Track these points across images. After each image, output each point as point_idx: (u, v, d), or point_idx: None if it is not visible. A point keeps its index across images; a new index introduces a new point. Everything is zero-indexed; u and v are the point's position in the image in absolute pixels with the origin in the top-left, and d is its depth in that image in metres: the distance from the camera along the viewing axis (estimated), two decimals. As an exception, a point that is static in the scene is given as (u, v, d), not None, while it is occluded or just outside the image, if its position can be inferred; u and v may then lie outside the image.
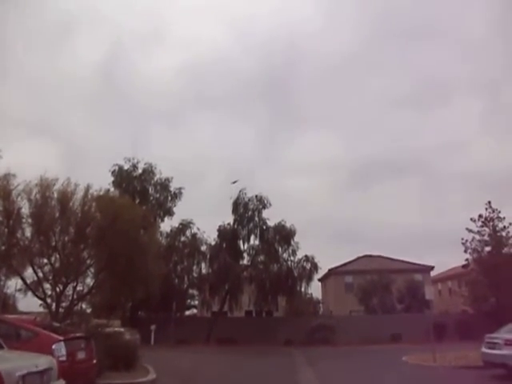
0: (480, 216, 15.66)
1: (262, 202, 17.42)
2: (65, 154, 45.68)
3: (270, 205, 17.39)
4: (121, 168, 16.18)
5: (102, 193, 9.88)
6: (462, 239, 15.72)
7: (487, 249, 15.62)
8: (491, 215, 15.55)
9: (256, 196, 17.48)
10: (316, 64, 43.18)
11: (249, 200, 17.45)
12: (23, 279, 9.35)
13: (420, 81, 43.12)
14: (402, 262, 22.25)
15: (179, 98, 48.45)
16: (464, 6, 41.74)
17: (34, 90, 47.33)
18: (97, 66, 44.67)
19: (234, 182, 17.45)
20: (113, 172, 16.04)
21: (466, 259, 16.02)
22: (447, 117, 41.11)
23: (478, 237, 15.68)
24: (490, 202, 15.49)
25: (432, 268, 22.46)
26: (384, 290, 18.33)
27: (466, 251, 15.80)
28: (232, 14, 45.33)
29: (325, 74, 46.08)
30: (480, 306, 15.43)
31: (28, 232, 9.01)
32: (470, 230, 15.67)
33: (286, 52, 45.48)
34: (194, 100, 47.95)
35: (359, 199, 41.88)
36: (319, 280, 24.00)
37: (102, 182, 15.30)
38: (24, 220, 8.99)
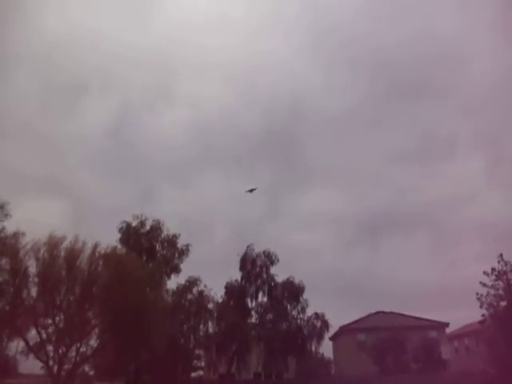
0: (493, 269, 15.29)
1: (269, 258, 17.25)
2: (74, 211, 46.09)
3: (278, 260, 17.21)
4: (129, 225, 16.25)
5: (109, 250, 9.87)
6: (477, 294, 15.25)
7: (503, 303, 15.11)
8: (504, 268, 15.19)
9: (264, 252, 17.33)
10: (319, 119, 44.43)
11: (256, 256, 17.28)
12: (26, 341, 9.15)
13: (423, 136, 43.92)
14: (416, 318, 21.50)
15: (187, 153, 49.56)
16: (464, 62, 43.34)
17: (44, 147, 48.71)
18: (106, 123, 46.18)
19: (251, 191, 17.41)
20: (120, 229, 16.09)
21: (483, 315, 15.46)
22: (452, 170, 41.38)
23: (492, 291, 15.22)
24: (501, 255, 15.18)
25: (447, 324, 21.65)
26: (398, 349, 17.57)
27: (481, 306, 15.26)
28: (237, 73, 47.36)
29: (328, 128, 47.24)
30: (501, 366, 14.67)
31: (33, 291, 8.95)
32: (484, 284, 15.22)
33: (289, 108, 46.98)
34: (201, 156, 48.95)
35: (368, 253, 41.31)
36: (330, 339, 23.16)
37: (109, 238, 15.28)
38: (30, 279, 8.95)
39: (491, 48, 42.47)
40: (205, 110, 47.18)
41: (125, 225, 16.24)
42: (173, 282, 16.34)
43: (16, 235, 8.86)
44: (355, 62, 44.15)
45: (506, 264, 15.16)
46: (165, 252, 16.44)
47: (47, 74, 44.84)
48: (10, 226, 8.80)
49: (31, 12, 40.61)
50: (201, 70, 48.15)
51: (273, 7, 45.94)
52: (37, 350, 9.09)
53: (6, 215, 9.38)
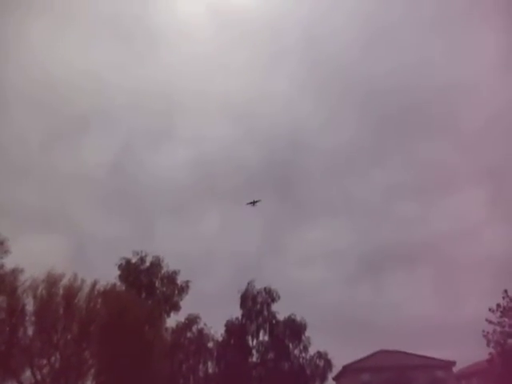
0: (498, 306, 15.04)
1: (270, 295, 17.03)
2: (74, 247, 45.74)
3: (279, 298, 16.98)
4: (128, 261, 16.12)
5: (108, 288, 9.75)
6: (483, 331, 14.94)
7: (510, 341, 14.75)
8: (509, 305, 14.94)
9: (265, 289, 17.12)
10: (320, 155, 44.82)
11: (257, 293, 17.06)
12: (20, 382, 8.88)
13: (424, 170, 44.16)
14: (422, 357, 20.91)
15: (187, 190, 49.71)
16: (463, 95, 44.05)
17: (45, 185, 48.94)
18: (108, 162, 46.56)
19: (254, 203, 17.11)
20: (120, 266, 15.95)
21: (490, 353, 15.07)
22: (453, 204, 41.36)
23: (499, 328, 14.91)
24: (506, 291, 14.99)
25: (454, 363, 21.04)
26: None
27: (488, 344, 14.92)
28: (239, 112, 48.17)
29: (329, 164, 47.57)
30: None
31: (30, 330, 8.78)
32: (491, 322, 14.95)
33: (289, 145, 47.50)
34: (201, 192, 49.07)
35: (371, 289, 40.60)
36: (333, 378, 22.44)
37: (109, 274, 15.14)
38: (27, 318, 8.80)
39: (491, 80, 43.44)
40: (205, 148, 47.73)
41: (124, 261, 16.10)
42: (172, 320, 16.02)
43: (15, 272, 8.79)
44: (355, 102, 45.12)
45: (510, 300, 14.93)
46: (164, 289, 16.22)
47: (50, 117, 45.74)
48: (9, 263, 8.74)
49: (33, 56, 41.88)
50: (202, 111, 49.04)
51: (274, 51, 47.43)
52: (31, 392, 8.82)
53: (6, 252, 9.33)
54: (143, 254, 16.46)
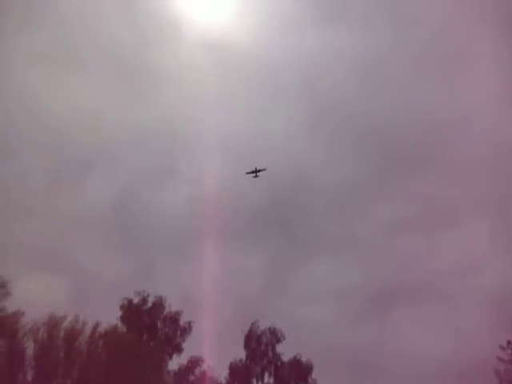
0: (509, 342, 14.67)
1: (275, 336, 16.69)
2: (76, 287, 45.14)
3: (284, 338, 16.62)
4: (130, 302, 15.93)
5: (109, 329, 9.61)
6: (495, 370, 14.49)
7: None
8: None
9: (269, 329, 16.80)
10: (321, 192, 44.86)
11: (261, 333, 16.72)
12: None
13: (426, 206, 43.95)
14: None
15: (190, 229, 49.52)
16: (463, 127, 44.30)
17: (47, 224, 48.87)
18: (108, 199, 46.53)
19: (256, 173, 16.26)
20: (121, 306, 15.75)
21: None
22: (457, 239, 40.92)
23: (511, 367, 14.47)
24: (513, 327, 14.65)
25: (466, 405, 20.22)
26: None
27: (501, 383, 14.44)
28: (240, 151, 48.63)
29: (331, 201, 47.58)
30: None
31: (30, 375, 8.58)
32: (502, 360, 14.53)
33: (291, 182, 47.55)
34: (203, 230, 48.91)
35: (377, 327, 39.46)
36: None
37: (111, 314, 14.93)
38: (27, 362, 8.62)
39: (490, 112, 43.97)
40: (207, 185, 47.95)
41: (126, 302, 15.92)
42: (174, 363, 15.64)
43: (15, 315, 8.69)
44: (354, 138, 45.62)
45: (519, 336, 14.58)
46: (167, 330, 15.96)
47: (53, 156, 46.26)
48: (11, 304, 8.66)
49: (36, 97, 42.84)
50: (204, 150, 49.56)
51: (273, 91, 48.54)
52: None
53: (7, 294, 9.25)
54: (145, 294, 16.30)
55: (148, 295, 16.26)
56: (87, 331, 8.95)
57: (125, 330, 13.05)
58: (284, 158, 46.42)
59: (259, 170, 15.99)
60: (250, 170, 16.09)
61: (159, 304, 16.15)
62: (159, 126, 47.42)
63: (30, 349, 8.66)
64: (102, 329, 9.19)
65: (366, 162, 45.29)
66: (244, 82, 50.10)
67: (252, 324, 16.64)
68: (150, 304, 16.16)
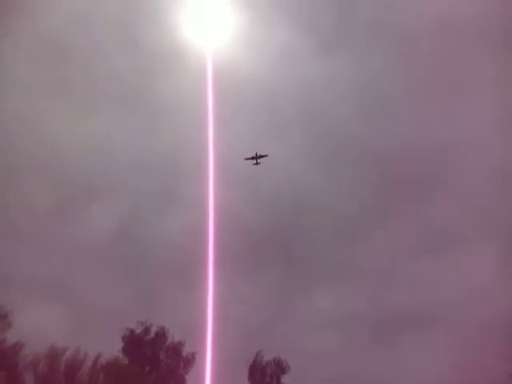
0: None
1: (280, 366, 16.35)
2: (76, 318, 44.57)
3: (289, 368, 16.31)
4: (132, 332, 15.68)
5: (111, 361, 9.43)
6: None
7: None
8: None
9: (274, 359, 16.48)
10: (324, 217, 44.63)
11: (266, 364, 16.38)
12: None
13: (430, 229, 43.52)
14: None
15: (193, 256, 49.20)
16: (465, 153, 44.24)
17: (48, 253, 48.59)
18: (111, 226, 46.35)
19: (257, 160, 15.37)
20: (123, 337, 15.51)
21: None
22: (464, 264, 40.36)
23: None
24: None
25: None
26: None
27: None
28: (241, 177, 48.75)
29: (334, 226, 47.27)
30: None
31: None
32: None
33: (293, 208, 47.38)
34: (207, 257, 48.54)
35: (384, 355, 38.55)
36: None
37: (113, 345, 14.68)
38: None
39: (493, 135, 44.00)
40: (210, 211, 47.91)
41: (128, 332, 15.69)
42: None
43: (16, 347, 8.55)
44: (355, 164, 45.71)
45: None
46: (169, 361, 15.66)
47: (57, 182, 46.45)
48: (12, 336, 8.53)
49: (41, 123, 43.34)
50: (207, 177, 49.74)
51: (272, 113, 49.03)
52: None
53: (8, 325, 9.14)
54: (147, 325, 16.07)
55: (150, 325, 16.03)
56: (88, 363, 8.80)
57: (127, 361, 12.79)
58: (284, 183, 46.41)
59: (260, 156, 15.22)
60: (250, 156, 15.33)
61: (162, 334, 15.90)
62: (163, 153, 47.80)
63: (30, 381, 8.48)
64: (103, 360, 9.02)
65: (367, 187, 45.21)
66: (244, 107, 50.73)
67: (256, 354, 16.33)
68: (152, 334, 15.91)
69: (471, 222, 41.04)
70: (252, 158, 15.29)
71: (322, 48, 41.73)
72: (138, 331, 15.83)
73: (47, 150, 42.65)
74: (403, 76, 44.34)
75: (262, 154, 15.07)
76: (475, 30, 33.95)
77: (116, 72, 45.65)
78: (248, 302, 39.31)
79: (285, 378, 16.25)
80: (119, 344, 14.89)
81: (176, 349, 15.80)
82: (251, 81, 44.14)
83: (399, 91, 45.21)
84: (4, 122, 30.64)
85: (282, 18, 38.29)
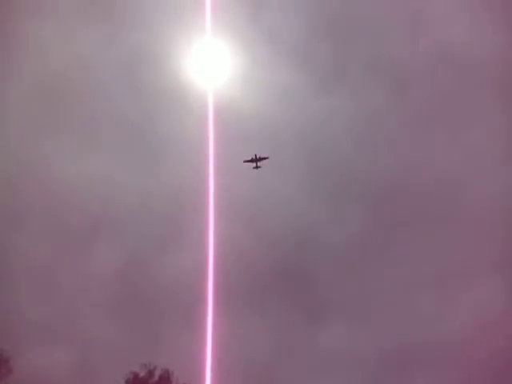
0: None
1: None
2: (78, 361, 43.37)
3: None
4: (136, 375, 15.33)
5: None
6: None
7: None
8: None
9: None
10: (328, 252, 44.18)
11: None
12: None
13: (437, 263, 42.97)
14: None
15: (196, 295, 48.39)
16: (468, 187, 44.09)
17: (49, 294, 47.84)
18: (115, 268, 45.91)
19: (257, 163, 14.54)
20: (127, 381, 15.14)
21: None
22: (472, 296, 39.53)
23: None
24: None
25: None
26: None
27: None
28: (245, 215, 48.53)
29: (338, 260, 46.73)
30: None
31: None
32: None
33: (297, 243, 46.98)
34: (210, 295, 47.71)
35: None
36: None
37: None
38: None
39: (496, 170, 43.94)
40: (212, 250, 47.48)
41: (132, 375, 15.36)
42: None
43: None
44: (358, 198, 45.66)
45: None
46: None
47: (59, 224, 46.24)
48: (13, 381, 8.31)
49: (45, 164, 43.54)
50: (209, 214, 49.54)
51: (273, 149, 49.46)
52: None
53: (9, 371, 8.95)
54: (151, 367, 15.76)
55: (154, 368, 15.71)
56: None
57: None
58: (287, 219, 46.27)
59: (260, 159, 14.63)
60: (249, 158, 14.77)
61: (166, 377, 15.58)
62: (164, 193, 47.90)
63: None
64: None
65: (370, 221, 45.04)
66: (245, 146, 51.22)
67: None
68: (156, 377, 15.58)
69: (477, 256, 40.58)
70: (251, 161, 14.78)
71: (322, 85, 42.64)
72: (141, 374, 15.49)
73: (47, 192, 42.79)
74: (403, 111, 45.10)
75: (263, 156, 14.60)
76: (474, 63, 34.81)
77: (117, 112, 46.43)
78: (252, 340, 38.29)
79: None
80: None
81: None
82: (252, 119, 44.81)
83: (399, 126, 45.81)
84: (4, 163, 31.03)
85: (281, 58, 39.39)
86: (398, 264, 40.97)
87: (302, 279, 44.11)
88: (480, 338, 35.19)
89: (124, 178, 46.14)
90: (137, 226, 44.84)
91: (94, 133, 42.40)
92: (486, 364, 33.55)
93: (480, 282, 38.38)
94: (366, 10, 37.72)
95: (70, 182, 40.95)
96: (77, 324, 37.17)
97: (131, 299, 41.85)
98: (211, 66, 28.67)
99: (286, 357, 40.02)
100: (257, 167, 13.98)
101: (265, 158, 14.25)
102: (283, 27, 33.41)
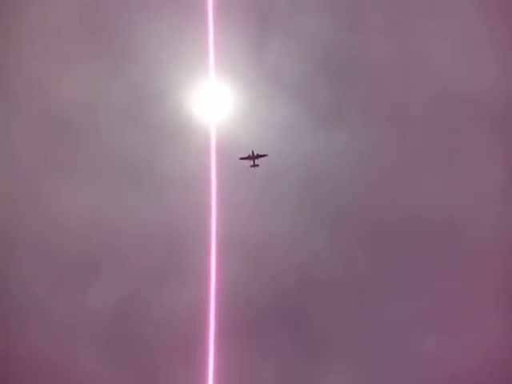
0: None
1: None
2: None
3: None
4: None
5: None
6: None
7: None
8: None
9: None
10: (332, 291, 43.47)
11: None
12: None
13: (440, 299, 42.29)
14: None
15: (197, 331, 47.26)
16: (470, 222, 43.87)
17: (46, 332, 46.71)
18: (112, 305, 44.96)
19: (254, 160, 13.38)
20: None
21: None
22: (477, 335, 38.69)
23: None
24: None
25: None
26: None
27: None
28: (246, 251, 47.92)
29: (339, 299, 45.92)
30: None
31: None
32: None
33: (298, 280, 46.36)
34: (212, 333, 46.57)
35: None
36: None
37: None
38: None
39: (496, 205, 43.77)
40: (213, 285, 46.72)
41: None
42: None
43: None
44: (359, 233, 45.28)
45: None
46: None
47: (57, 258, 45.49)
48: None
49: (44, 195, 43.30)
50: (209, 250, 48.93)
51: (275, 189, 49.44)
52: None
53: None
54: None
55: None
56: None
57: None
58: (287, 253, 45.81)
59: (258, 156, 13.90)
60: (246, 156, 14.02)
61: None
62: (165, 227, 47.49)
63: None
64: None
65: (371, 258, 44.59)
66: (246, 179, 51.16)
67: None
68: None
69: (478, 294, 40.00)
70: (248, 158, 14.20)
71: (321, 122, 43.19)
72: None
73: (46, 223, 42.42)
74: (401, 146, 45.55)
75: (261, 153, 14.10)
76: (473, 100, 35.33)
77: (119, 147, 46.83)
78: (252, 379, 37.31)
79: None
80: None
81: None
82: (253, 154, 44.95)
83: (397, 161, 46.15)
84: (7, 196, 31.04)
85: (282, 95, 40.09)
86: (401, 300, 40.27)
87: (303, 316, 43.24)
88: (482, 377, 34.26)
89: (125, 211, 45.97)
90: (137, 259, 44.29)
91: (96, 166, 42.59)
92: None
93: (482, 321, 37.61)
94: (365, 49, 38.65)
95: (70, 214, 40.76)
96: (71, 360, 36.13)
97: (129, 334, 40.85)
98: (214, 103, 29.19)
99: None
100: (254, 165, 13.39)
101: (263, 156, 13.73)
102: (285, 66, 34.20)
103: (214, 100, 28.49)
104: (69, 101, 33.23)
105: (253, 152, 12.09)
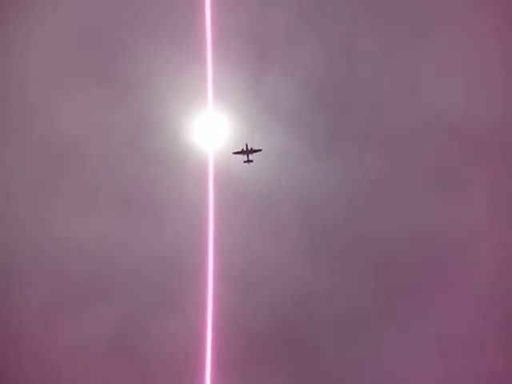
0: None
1: None
2: None
3: None
4: None
5: None
6: None
7: None
8: None
9: None
10: (328, 322, 42.93)
11: None
12: None
13: (440, 327, 41.75)
14: None
15: (194, 357, 46.43)
16: (470, 248, 43.72)
17: (40, 360, 45.91)
18: (108, 333, 44.36)
19: (248, 157, 12.92)
20: None
21: None
22: (482, 366, 37.95)
23: None
24: None
25: None
26: None
27: None
28: (242, 280, 47.59)
29: (338, 330, 45.28)
30: None
31: None
32: None
33: (297, 310, 45.85)
34: (208, 361, 45.74)
35: None
36: None
37: None
38: None
39: (493, 229, 43.68)
40: (209, 316, 46.18)
41: None
42: None
43: None
44: (357, 263, 45.04)
45: None
46: None
47: (53, 283, 45.06)
48: None
49: (40, 224, 43.23)
50: (206, 277, 48.63)
51: (274, 217, 49.40)
52: None
53: None
54: None
55: None
56: None
57: None
58: (287, 286, 45.35)
59: (252, 151, 13.41)
60: (239, 150, 13.51)
61: None
62: (162, 255, 47.19)
63: None
64: None
65: (371, 287, 44.12)
66: (243, 208, 51.10)
67: None
68: None
69: (481, 318, 39.48)
70: (242, 153, 13.86)
71: (318, 151, 43.51)
72: None
73: (41, 253, 42.24)
74: (399, 176, 45.72)
75: (255, 148, 13.67)
76: (470, 129, 35.65)
77: (118, 176, 47.06)
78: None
79: None
80: None
81: None
82: (251, 184, 45.39)
83: (396, 190, 46.25)
84: (5, 220, 30.95)
85: (279, 125, 40.52)
86: (402, 331, 39.67)
87: (302, 348, 42.53)
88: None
89: (121, 240, 45.76)
90: (133, 290, 43.93)
91: (93, 195, 42.60)
92: None
93: (483, 353, 36.97)
94: (361, 80, 39.27)
95: (65, 244, 40.59)
96: (64, 381, 35.29)
97: (123, 367, 40.12)
98: (212, 132, 29.45)
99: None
100: (248, 161, 13.08)
101: (257, 151, 13.46)
102: (282, 97, 34.67)
103: (212, 130, 28.78)
104: (66, 130, 33.53)
105: (246, 146, 11.80)
